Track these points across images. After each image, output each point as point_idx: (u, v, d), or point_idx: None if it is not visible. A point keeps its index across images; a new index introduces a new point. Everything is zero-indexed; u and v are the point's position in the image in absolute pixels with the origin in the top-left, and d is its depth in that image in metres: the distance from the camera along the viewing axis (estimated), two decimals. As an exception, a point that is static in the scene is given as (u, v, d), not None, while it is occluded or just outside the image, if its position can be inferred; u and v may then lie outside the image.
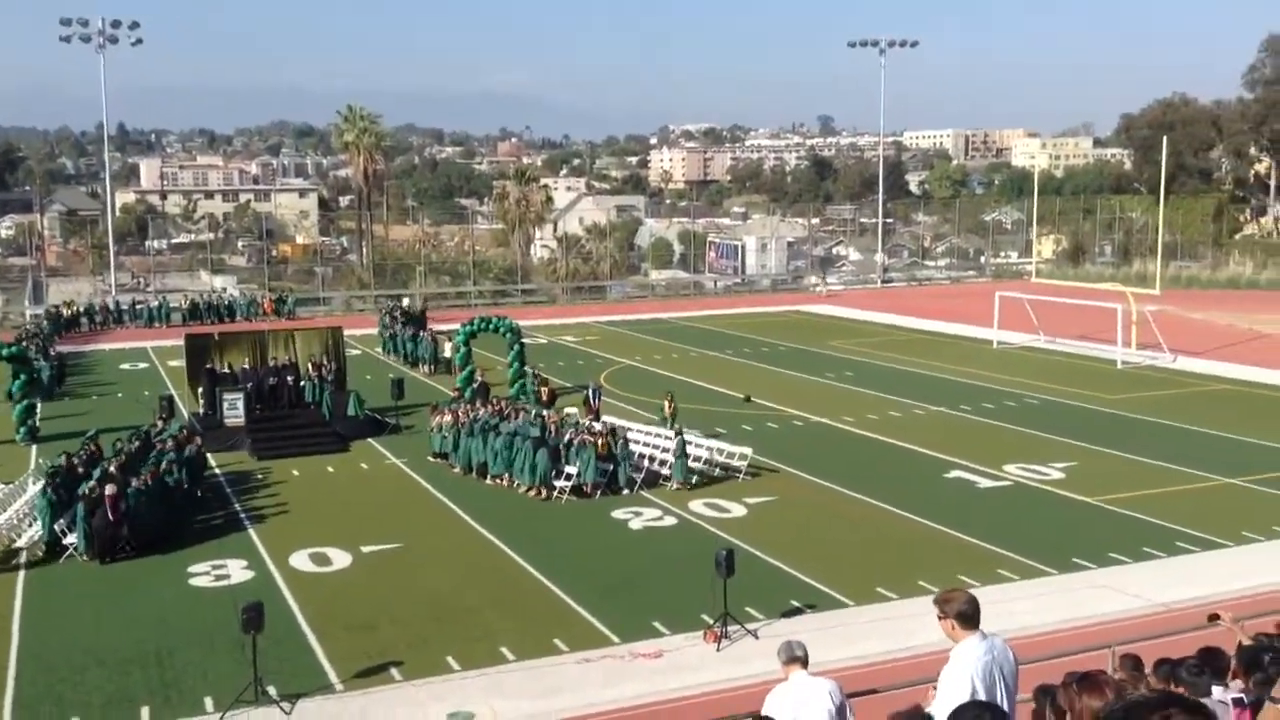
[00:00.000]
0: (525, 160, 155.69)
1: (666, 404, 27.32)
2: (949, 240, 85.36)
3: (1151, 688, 8.13)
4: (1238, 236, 74.59)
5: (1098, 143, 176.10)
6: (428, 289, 61.39)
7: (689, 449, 23.94)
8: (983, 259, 76.98)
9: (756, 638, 15.35)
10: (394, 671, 14.76)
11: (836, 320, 51.88)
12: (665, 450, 24.64)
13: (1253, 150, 77.93)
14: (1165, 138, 48.44)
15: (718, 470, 24.17)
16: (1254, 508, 21.31)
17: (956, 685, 6.94)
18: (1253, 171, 79.27)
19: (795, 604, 16.79)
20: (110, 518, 19.26)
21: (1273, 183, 76.83)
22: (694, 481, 23.44)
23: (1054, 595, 17.04)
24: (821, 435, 28.34)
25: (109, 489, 19.47)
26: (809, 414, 30.42)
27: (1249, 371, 35.92)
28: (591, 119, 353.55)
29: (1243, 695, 7.39)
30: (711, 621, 15.63)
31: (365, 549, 19.65)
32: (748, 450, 24.58)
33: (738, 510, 21.83)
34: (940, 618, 7.33)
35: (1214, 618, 10.80)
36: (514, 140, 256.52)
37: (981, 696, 6.94)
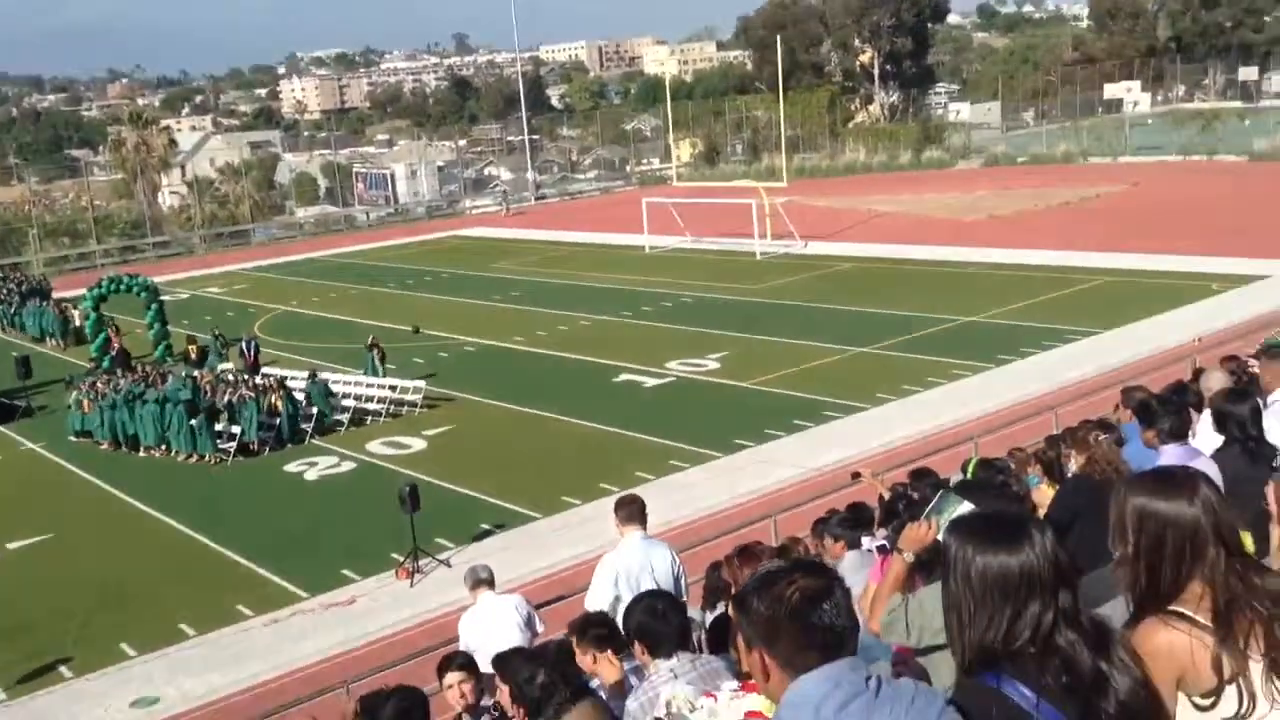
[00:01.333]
0: (141, 101, 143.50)
1: (375, 351, 25.52)
2: (595, 152, 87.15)
3: (807, 550, 8.90)
4: (851, 125, 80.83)
5: (720, 46, 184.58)
6: (45, 254, 55.71)
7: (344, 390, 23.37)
8: (628, 168, 79.26)
9: (449, 566, 15.41)
10: (64, 669, 13.68)
11: (496, 241, 51.94)
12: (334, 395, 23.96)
13: (857, 42, 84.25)
14: (779, 37, 51.48)
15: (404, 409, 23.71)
16: (885, 372, 23.58)
17: (602, 574, 7.92)
18: (858, 63, 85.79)
19: (485, 526, 16.97)
20: None
21: (876, 71, 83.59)
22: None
23: (720, 477, 18.20)
24: (494, 358, 28.50)
25: None
26: (479, 338, 30.46)
27: (870, 248, 39.36)
28: (210, 50, 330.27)
29: (885, 543, 8.23)
30: (402, 559, 15.53)
31: (11, 546, 17.89)
32: (421, 383, 24.33)
33: (418, 444, 21.65)
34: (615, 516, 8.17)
35: (856, 475, 11.94)
36: (125, 80, 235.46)
37: (621, 587, 7.66)
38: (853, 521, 8.34)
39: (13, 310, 37.96)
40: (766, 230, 40.76)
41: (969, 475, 9.04)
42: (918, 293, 31.37)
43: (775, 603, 2.59)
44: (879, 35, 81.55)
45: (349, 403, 23.70)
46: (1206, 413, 8.45)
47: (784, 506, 14.31)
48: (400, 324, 33.04)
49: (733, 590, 6.92)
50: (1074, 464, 8.25)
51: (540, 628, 9.37)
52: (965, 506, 4.02)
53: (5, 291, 39.77)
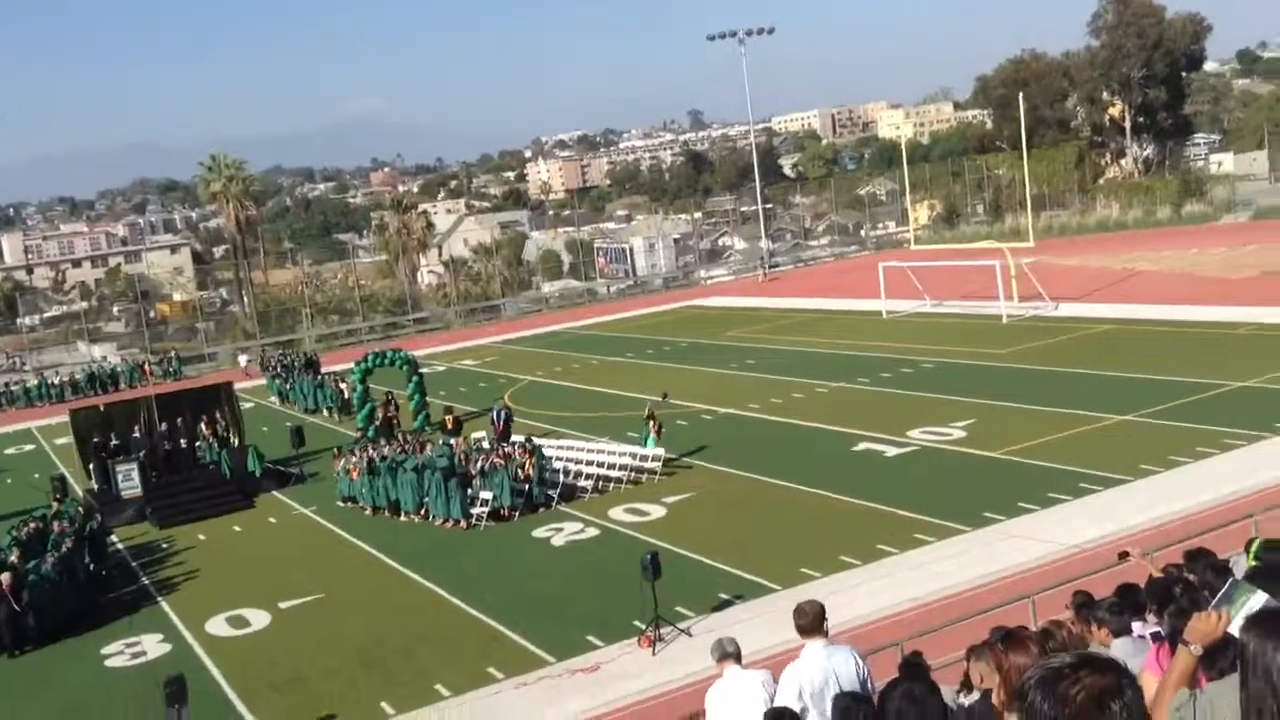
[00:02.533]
0: (400, 188, 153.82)
1: (652, 423, 25.05)
2: (829, 218, 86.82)
3: (1071, 634, 8.35)
4: (1101, 180, 77.26)
5: (958, 106, 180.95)
6: (316, 330, 60.23)
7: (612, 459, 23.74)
8: (863, 232, 78.47)
9: (690, 635, 15.38)
10: (329, 726, 14.43)
11: (730, 310, 52.36)
12: (579, 462, 24.60)
13: (1105, 95, 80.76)
14: (1020, 94, 49.95)
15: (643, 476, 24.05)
16: (1149, 441, 22.08)
17: (785, 685, 7.99)
18: (1107, 116, 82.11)
19: (724, 596, 16.87)
20: (15, 607, 18.45)
21: (1128, 124, 79.80)
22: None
23: (971, 551, 17.42)
24: (730, 426, 28.56)
25: (5, 577, 18.65)
26: (716, 406, 30.63)
27: (1127, 309, 37.24)
28: (462, 139, 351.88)
29: (1160, 629, 7.62)
30: (644, 627, 15.62)
31: (283, 605, 19.16)
32: (660, 450, 24.63)
33: (657, 512, 21.86)
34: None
35: (1124, 555, 11.15)
36: (387, 169, 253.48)
37: (806, 702, 7.71)
38: (1122, 606, 7.79)
39: (288, 385, 41.08)
40: (1013, 292, 39.29)
41: (1253, 558, 8.29)
42: (1184, 356, 29.35)
43: (1060, 704, 2.41)
44: (1129, 87, 77.81)
45: (592, 469, 24.23)
46: None
47: (1041, 586, 13.52)
48: (637, 393, 33.64)
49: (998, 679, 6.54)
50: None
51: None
52: (1261, 598, 3.66)
53: (281, 368, 43.15)
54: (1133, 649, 6.99)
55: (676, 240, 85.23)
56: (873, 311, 43.54)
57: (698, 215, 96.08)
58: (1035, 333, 35.79)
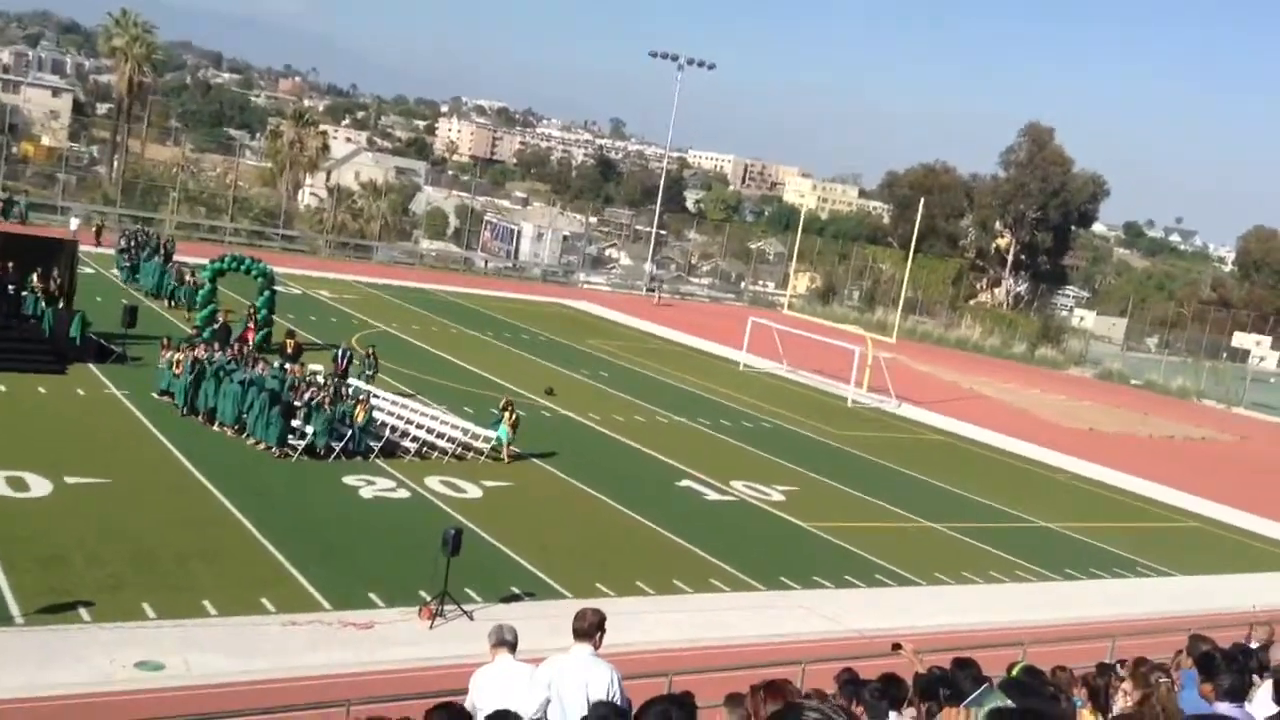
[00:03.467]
0: (307, 102, 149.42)
1: (507, 414, 24.55)
2: (715, 261, 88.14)
3: (833, 705, 8.69)
4: (972, 302, 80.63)
5: (862, 193, 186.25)
6: (179, 217, 57.91)
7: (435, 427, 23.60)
8: (743, 284, 79.90)
9: (471, 619, 15.36)
10: (83, 612, 13.89)
11: (599, 320, 52.56)
12: (409, 422, 24.31)
13: (998, 225, 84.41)
14: (923, 200, 51.84)
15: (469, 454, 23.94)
16: (949, 552, 23.12)
17: (539, 674, 8.18)
18: (995, 245, 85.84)
19: (515, 590, 16.92)
20: None
21: (1010, 258, 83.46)
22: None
23: (758, 610, 17.92)
24: (568, 429, 28.65)
25: None
26: (558, 407, 30.70)
27: (963, 426, 38.88)
28: (383, 72, 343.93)
29: (911, 720, 8.01)
30: (429, 599, 15.53)
31: (69, 480, 18.36)
32: (494, 433, 24.54)
33: (473, 491, 21.78)
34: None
35: (897, 646, 11.64)
36: (298, 79, 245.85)
37: (550, 694, 7.98)
38: (885, 692, 8.14)
39: (133, 265, 39.35)
40: (864, 380, 40.58)
41: (1012, 675, 8.80)
42: (1001, 483, 30.82)
43: None
44: (1021, 224, 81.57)
45: (420, 433, 23.98)
46: (1269, 681, 8.16)
47: (816, 657, 14.00)
48: (485, 372, 33.46)
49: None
50: (1124, 699, 7.99)
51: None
52: (1006, 703, 3.95)
53: (134, 244, 41.29)
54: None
55: (566, 237, 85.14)
56: (731, 360, 44.34)
57: (593, 219, 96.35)
58: (874, 424, 37.04)
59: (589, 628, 8.36)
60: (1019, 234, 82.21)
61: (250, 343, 28.82)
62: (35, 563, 15.09)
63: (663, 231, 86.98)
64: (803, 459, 29.36)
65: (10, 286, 27.67)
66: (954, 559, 22.54)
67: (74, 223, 47.29)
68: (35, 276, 28.14)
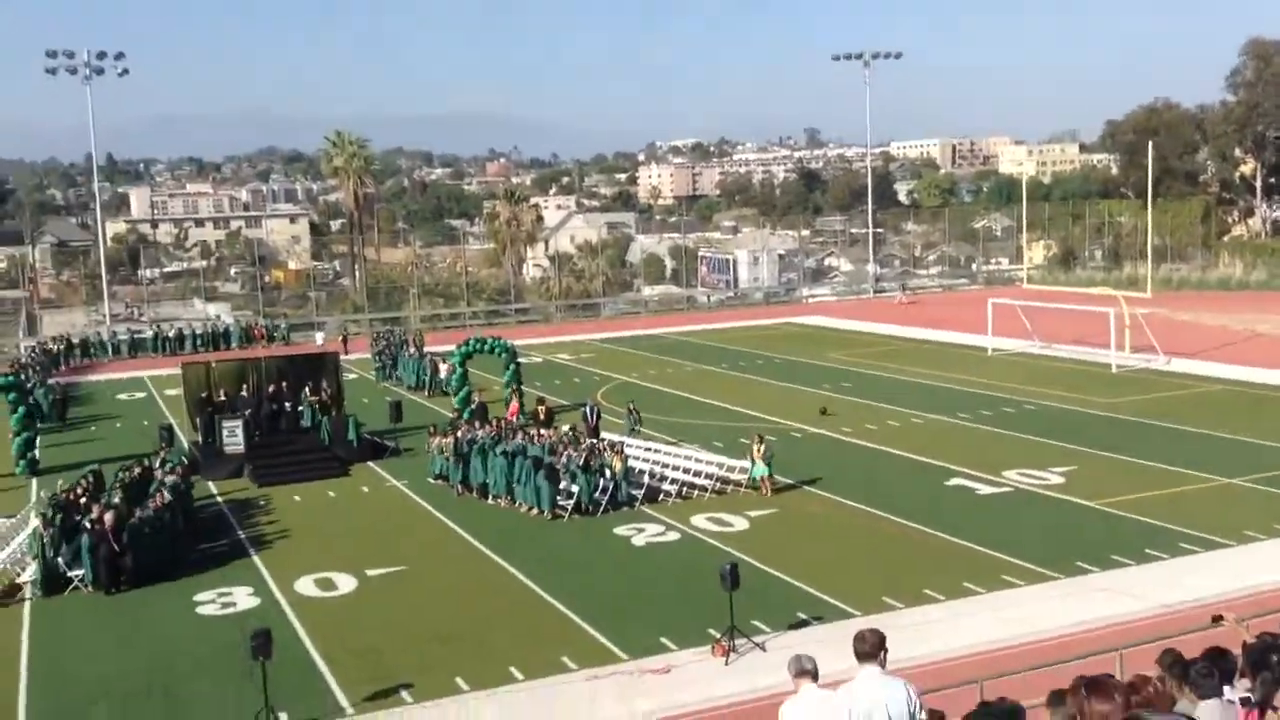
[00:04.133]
0: (514, 180, 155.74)
1: (756, 447, 24.29)
2: (939, 249, 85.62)
3: (1159, 691, 8.19)
4: (1226, 238, 74.93)
5: (1083, 149, 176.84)
6: (421, 311, 61.42)
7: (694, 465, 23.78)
8: (974, 266, 77.21)
9: (764, 650, 15.38)
10: (405, 694, 14.77)
11: (831, 331, 52.01)
12: (665, 465, 24.72)
13: (1237, 152, 78.28)
14: (1150, 142, 48.73)
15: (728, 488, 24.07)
16: (1255, 507, 21.40)
17: (836, 705, 8.16)
18: (1238, 174, 79.59)
19: (802, 616, 16.82)
20: (114, 547, 19.24)
21: (1259, 184, 77.22)
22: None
23: (1060, 599, 17.10)
24: (821, 447, 28.40)
25: (108, 517, 19.46)
26: (807, 426, 30.49)
27: (1243, 371, 36.07)
28: (579, 137, 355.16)
29: (1249, 695, 7.44)
30: (719, 635, 15.67)
31: (370, 572, 19.65)
32: (747, 463, 24.60)
33: (740, 524, 21.87)
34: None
35: (1218, 618, 10.86)
36: (502, 160, 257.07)
37: None
38: (1213, 668, 7.63)
39: (387, 364, 41.89)
40: (1125, 342, 38.31)
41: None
42: (1299, 424, 28.34)
43: None
44: (1263, 146, 75.31)
45: (678, 474, 24.32)
46: None
47: (1131, 641, 13.23)
48: (726, 403, 33.62)
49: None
50: None
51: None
52: None
53: (385, 346, 43.97)
54: (1221, 713, 6.85)
55: (781, 256, 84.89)
56: (978, 347, 42.84)
57: (805, 232, 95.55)
58: (1145, 385, 34.87)
59: (871, 648, 8.37)
60: (1263, 157, 75.92)
61: (516, 419, 29.97)
62: (353, 654, 16.19)
63: (879, 230, 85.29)
64: (1075, 436, 27.94)
65: (287, 404, 30.08)
66: (1262, 513, 20.83)
67: (319, 337, 51.00)
68: (307, 390, 30.46)
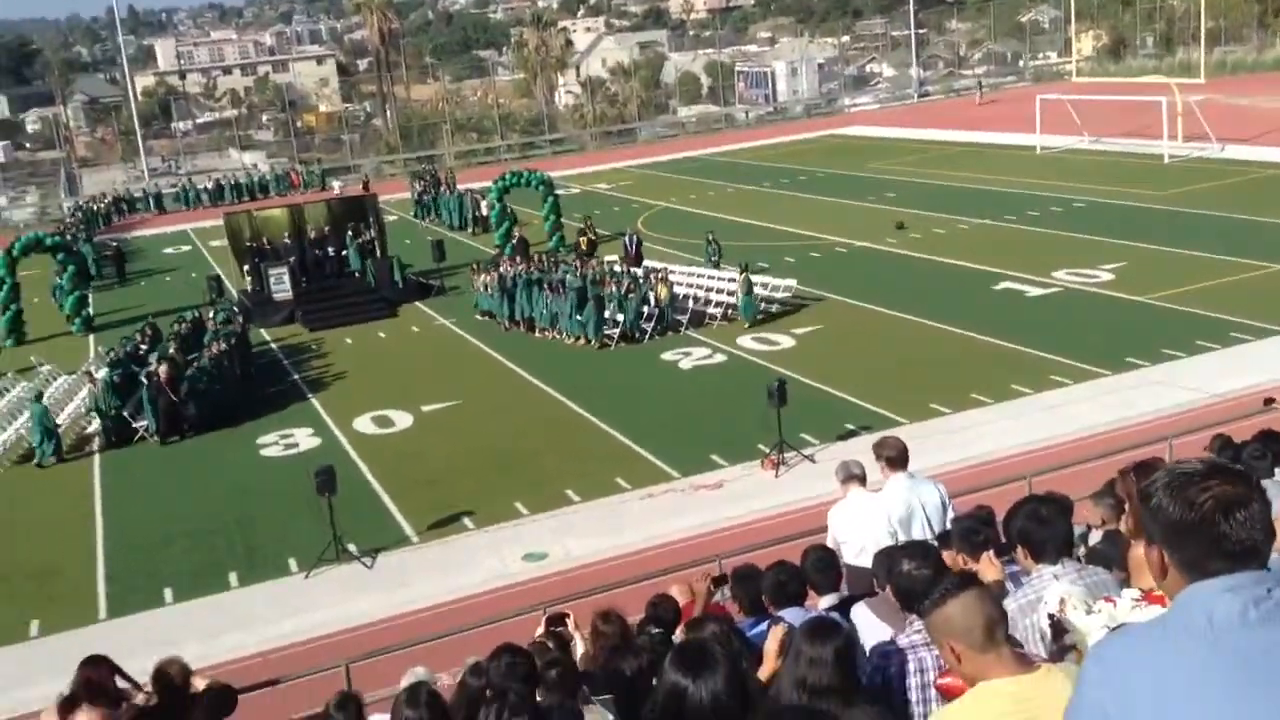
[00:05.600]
0: (540, 4, 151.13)
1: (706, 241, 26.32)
2: (985, 46, 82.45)
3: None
4: (1286, 14, 71.27)
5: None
6: (456, 148, 60.77)
7: (753, 287, 23.63)
8: (1021, 62, 74.46)
9: (814, 462, 15.62)
10: (466, 521, 15.26)
11: (874, 141, 50.81)
12: (709, 290, 24.65)
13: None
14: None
15: (773, 306, 24.02)
16: (1310, 293, 21.01)
17: (874, 515, 8.48)
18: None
19: (850, 427, 16.99)
20: (173, 398, 19.74)
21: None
22: (758, 318, 23.32)
23: (1109, 395, 17.09)
24: (866, 260, 28.13)
25: (163, 369, 19.90)
26: (852, 239, 30.14)
27: (1302, 155, 34.88)
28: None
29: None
30: (768, 450, 15.91)
31: (425, 408, 20.06)
32: (792, 281, 24.48)
33: (786, 342, 21.92)
34: (876, 459, 8.67)
35: (1270, 401, 10.82)
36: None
37: (895, 528, 8.30)
38: (1265, 450, 7.61)
39: (428, 203, 41.72)
40: (1178, 131, 37.05)
41: None
42: (1359, 206, 27.52)
43: (1187, 507, 2.40)
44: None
45: (723, 298, 24.24)
46: None
47: (1179, 430, 13.24)
48: (776, 223, 33.26)
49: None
50: None
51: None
52: None
53: (424, 183, 43.70)
54: (1274, 492, 6.85)
55: (821, 65, 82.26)
56: (1026, 146, 41.71)
57: (845, 39, 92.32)
58: (1199, 174, 33.89)
59: (900, 455, 8.70)
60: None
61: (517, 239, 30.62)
62: (415, 486, 16.70)
63: (922, 30, 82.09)
64: (1127, 231, 27.38)
65: (330, 249, 30.20)
66: (1321, 299, 20.46)
67: (336, 185, 50.25)
68: (351, 233, 30.51)
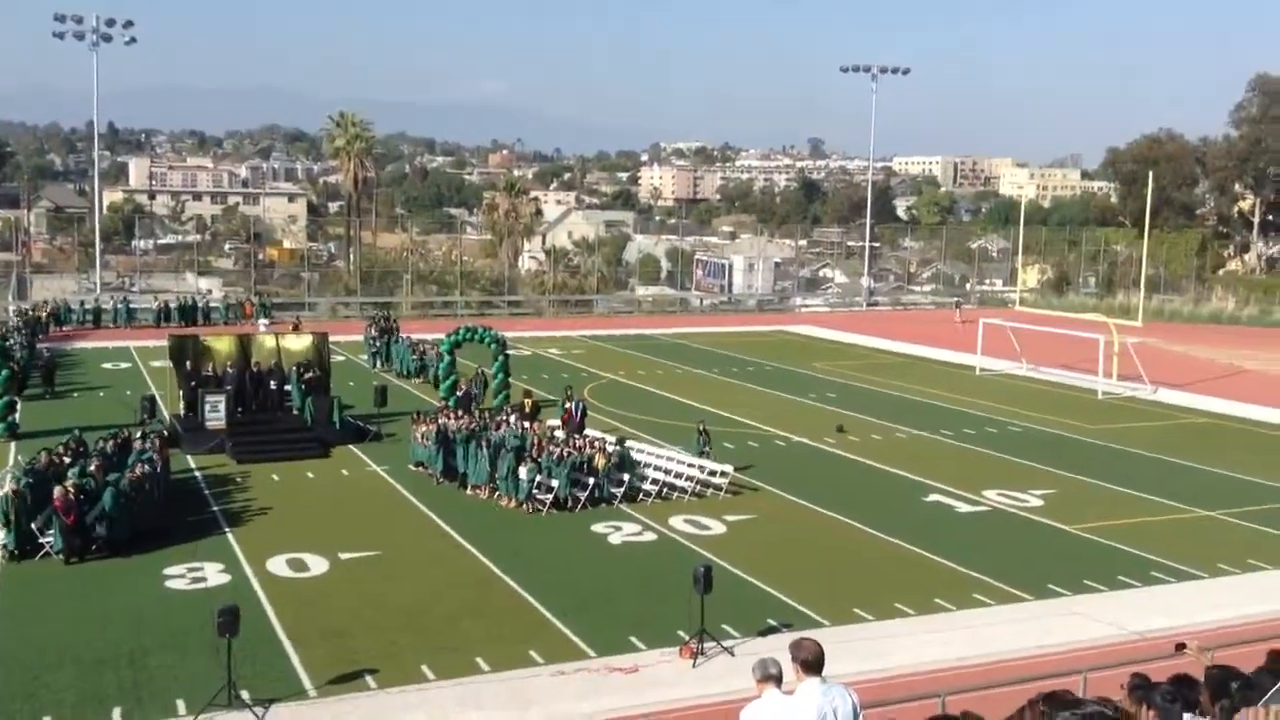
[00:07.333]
0: (516, 172, 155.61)
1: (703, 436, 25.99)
2: (935, 266, 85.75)
3: (1123, 714, 8.19)
4: (1221, 272, 75.22)
5: (1085, 175, 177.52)
6: (414, 297, 61.29)
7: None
8: (968, 285, 77.36)
9: (733, 655, 15.37)
10: (369, 679, 14.71)
11: (821, 341, 52.06)
12: (646, 466, 24.65)
13: (1237, 187, 78.60)
14: (1151, 172, 48.85)
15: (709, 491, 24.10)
16: (1230, 540, 21.48)
17: (794, 715, 8.29)
18: (1236, 209, 79.95)
19: (772, 622, 16.81)
20: (71, 520, 19.03)
21: (1256, 219, 77.53)
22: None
23: (1029, 621, 17.13)
24: (803, 455, 28.42)
25: (57, 491, 19.28)
26: (791, 434, 30.51)
27: (1229, 405, 36.20)
28: (583, 133, 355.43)
29: (1209, 721, 7.46)
30: (688, 638, 15.65)
31: (343, 555, 19.59)
32: (728, 467, 24.62)
33: (717, 528, 21.87)
34: (791, 660, 8.48)
35: (1180, 647, 10.89)
36: (505, 152, 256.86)
37: None
38: (1177, 694, 7.64)
39: (385, 346, 41.70)
40: (1113, 369, 38.42)
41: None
42: None
43: None
44: (1263, 183, 75.62)
45: (658, 475, 24.27)
46: None
47: (1097, 665, 13.24)
48: (721, 409, 33.63)
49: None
50: None
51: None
52: None
53: (380, 329, 43.78)
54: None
55: (778, 264, 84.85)
56: (967, 366, 42.93)
57: (803, 242, 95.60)
58: (1130, 414, 34.97)
59: (816, 660, 8.52)
60: (1262, 193, 76.26)
61: (476, 400, 30.25)
62: (320, 636, 16.14)
63: (876, 244, 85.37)
64: (1057, 460, 28.01)
65: (274, 383, 29.98)
66: (1238, 547, 20.91)
67: (262, 324, 49.20)
68: (298, 369, 30.35)
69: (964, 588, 18.49)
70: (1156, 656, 12.45)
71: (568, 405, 29.26)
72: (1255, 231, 77.88)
